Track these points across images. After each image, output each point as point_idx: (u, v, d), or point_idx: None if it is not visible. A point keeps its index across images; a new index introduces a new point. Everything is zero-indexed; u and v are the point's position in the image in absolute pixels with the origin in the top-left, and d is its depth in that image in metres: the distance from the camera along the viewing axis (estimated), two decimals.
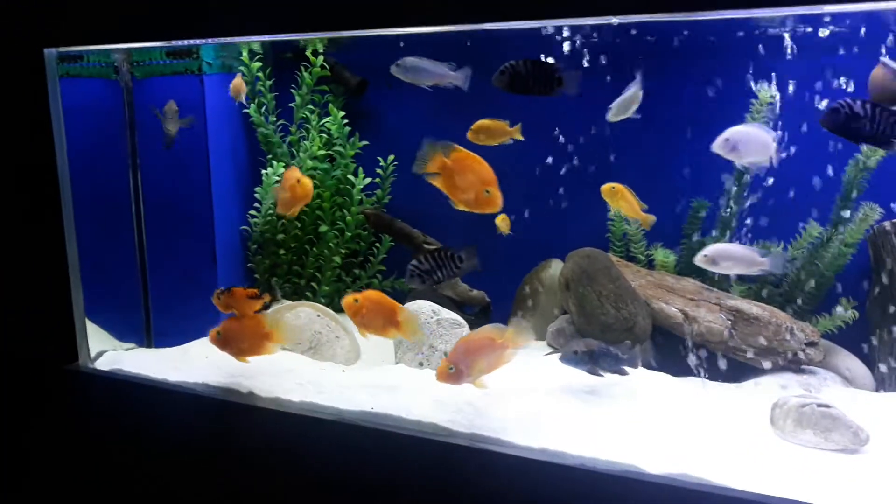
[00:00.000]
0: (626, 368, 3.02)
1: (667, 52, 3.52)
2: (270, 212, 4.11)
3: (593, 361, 2.98)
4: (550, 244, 3.95)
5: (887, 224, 3.30)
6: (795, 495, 2.29)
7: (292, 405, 3.07)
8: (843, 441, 2.64)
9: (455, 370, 2.70)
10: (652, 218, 3.39)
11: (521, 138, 3.33)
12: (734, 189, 3.57)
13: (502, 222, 3.64)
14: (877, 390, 3.31)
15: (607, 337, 3.45)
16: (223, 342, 3.13)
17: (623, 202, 3.37)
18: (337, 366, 3.56)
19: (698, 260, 3.03)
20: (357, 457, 2.92)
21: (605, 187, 3.34)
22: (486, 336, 2.76)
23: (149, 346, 4.04)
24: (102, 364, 3.55)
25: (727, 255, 3.01)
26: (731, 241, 3.61)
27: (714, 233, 3.67)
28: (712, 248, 3.02)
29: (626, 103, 3.15)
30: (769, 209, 3.49)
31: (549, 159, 3.75)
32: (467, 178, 2.64)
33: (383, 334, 2.92)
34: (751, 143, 2.85)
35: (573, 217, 3.85)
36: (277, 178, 4.05)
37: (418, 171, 2.71)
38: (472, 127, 3.31)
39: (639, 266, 3.80)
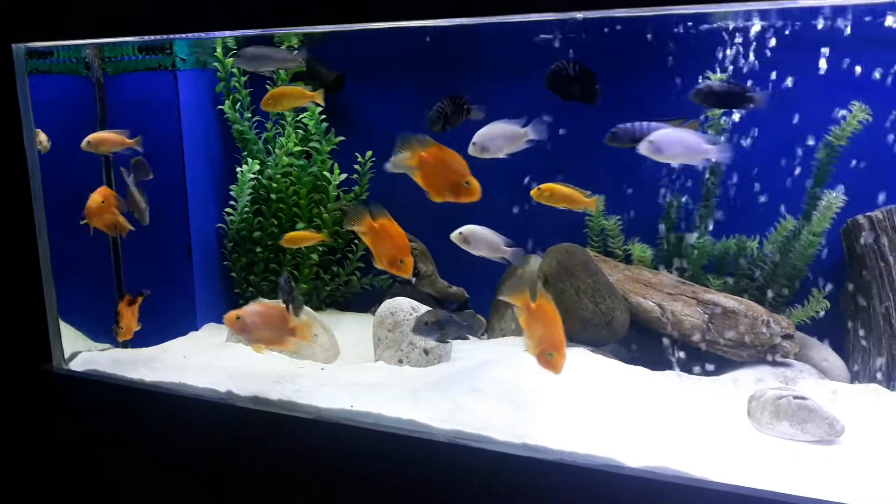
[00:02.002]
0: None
1: (647, 48, 3.53)
2: (246, 209, 4.07)
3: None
4: (530, 240, 3.94)
5: (861, 217, 3.33)
6: (772, 486, 2.31)
7: (271, 404, 3.05)
8: (819, 432, 2.67)
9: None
10: (596, 200, 3.35)
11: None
12: (711, 184, 3.59)
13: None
14: (852, 382, 3.35)
15: (587, 333, 3.47)
16: (242, 327, 3.01)
17: (559, 199, 3.33)
18: (316, 364, 3.53)
19: (454, 237, 3.17)
20: (337, 455, 2.90)
21: (534, 192, 3.32)
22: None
23: (124, 346, 3.98)
24: (77, 365, 3.50)
25: (479, 236, 3.16)
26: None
27: (693, 224, 3.70)
28: (467, 228, 3.17)
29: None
30: (744, 202, 3.52)
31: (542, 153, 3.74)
32: (443, 170, 2.68)
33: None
34: (677, 144, 2.85)
35: (552, 212, 3.85)
36: (253, 175, 4.01)
37: (392, 170, 2.74)
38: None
39: (616, 261, 3.82)
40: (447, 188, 2.71)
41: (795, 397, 2.72)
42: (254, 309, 2.96)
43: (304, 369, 3.43)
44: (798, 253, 3.47)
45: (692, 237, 3.66)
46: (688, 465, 2.42)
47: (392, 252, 2.82)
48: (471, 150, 3.02)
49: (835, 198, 3.34)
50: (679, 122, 3.06)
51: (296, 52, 3.33)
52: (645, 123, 3.02)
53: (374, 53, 3.99)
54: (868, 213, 3.31)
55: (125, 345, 3.93)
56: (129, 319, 3.49)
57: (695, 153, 2.79)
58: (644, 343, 3.51)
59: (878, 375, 3.25)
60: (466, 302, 4.05)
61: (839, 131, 3.38)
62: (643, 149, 2.86)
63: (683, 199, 3.73)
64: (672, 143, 2.83)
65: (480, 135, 2.98)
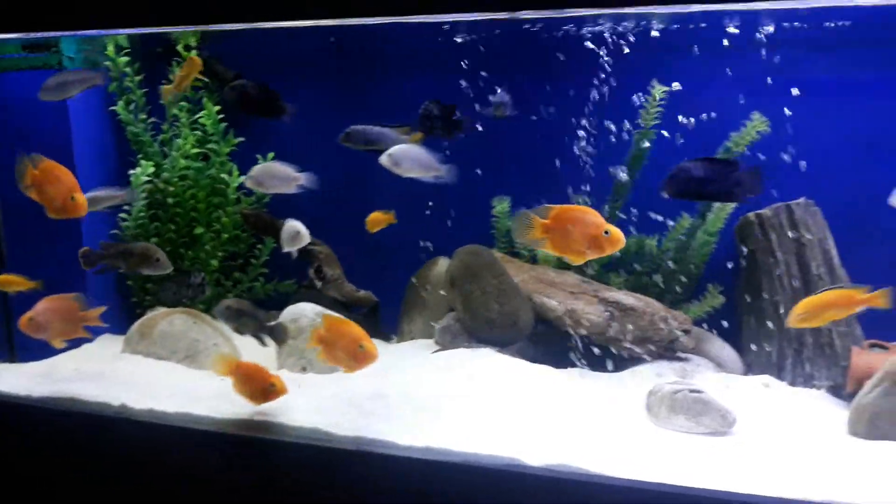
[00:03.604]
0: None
1: (554, 52, 3.58)
2: (142, 213, 3.91)
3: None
4: (439, 242, 3.94)
5: (751, 215, 3.46)
6: (669, 479, 2.36)
7: (167, 416, 2.94)
8: (713, 424, 2.75)
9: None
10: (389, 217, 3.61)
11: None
12: (618, 185, 3.66)
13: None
14: (745, 373, 3.47)
15: (494, 333, 3.48)
16: (36, 326, 3.04)
17: (378, 223, 3.58)
18: (216, 375, 3.42)
19: (383, 161, 3.15)
20: (236, 466, 2.82)
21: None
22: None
23: (12, 360, 3.77)
24: None
25: (409, 156, 3.16)
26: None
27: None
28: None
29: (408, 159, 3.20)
30: (649, 203, 3.60)
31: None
32: (577, 229, 2.50)
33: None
34: (411, 160, 3.12)
35: (460, 213, 3.86)
36: (147, 178, 3.85)
37: (518, 239, 2.61)
38: None
39: (522, 261, 3.85)
40: (587, 245, 2.51)
41: (691, 391, 2.79)
42: (43, 306, 2.98)
43: (202, 380, 3.31)
44: (694, 251, 3.58)
45: None
46: (589, 461, 2.46)
47: (62, 193, 2.73)
48: (247, 183, 3.30)
49: None
50: (406, 129, 3.24)
51: (195, 52, 3.25)
52: (377, 128, 3.26)
53: (275, 52, 3.91)
54: (758, 212, 3.44)
55: (12, 358, 3.73)
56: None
57: (426, 170, 3.12)
58: (549, 341, 3.54)
59: (770, 367, 3.38)
60: (377, 305, 4.01)
61: (738, 138, 3.50)
62: (384, 161, 3.11)
63: (588, 200, 3.79)
64: (407, 159, 3.11)
65: (256, 169, 3.34)
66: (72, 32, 3.42)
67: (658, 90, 3.51)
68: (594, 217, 2.52)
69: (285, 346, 3.40)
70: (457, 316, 3.59)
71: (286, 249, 3.40)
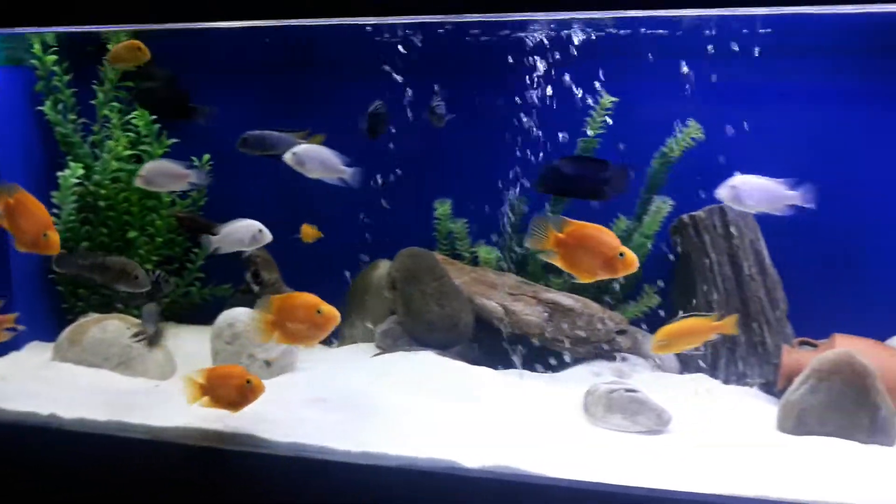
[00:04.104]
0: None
1: (497, 56, 3.59)
2: (72, 217, 3.79)
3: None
4: (380, 244, 3.92)
5: (686, 217, 3.53)
6: (605, 478, 2.39)
7: (98, 425, 2.85)
8: (648, 423, 2.80)
9: None
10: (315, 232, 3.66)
11: None
12: None
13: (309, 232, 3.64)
14: (681, 372, 3.54)
15: (435, 335, 3.48)
16: None
17: (308, 236, 3.63)
18: (150, 381, 3.34)
19: (287, 159, 3.15)
20: (172, 476, 2.76)
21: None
22: None
23: None
24: None
25: (313, 156, 3.17)
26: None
27: None
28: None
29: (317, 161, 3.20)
30: (587, 206, 3.64)
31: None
32: (590, 247, 2.48)
33: None
34: (316, 160, 3.14)
35: (401, 216, 3.85)
36: (76, 180, 3.73)
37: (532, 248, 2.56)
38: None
39: (463, 263, 3.85)
40: (599, 266, 2.48)
41: (627, 390, 2.83)
42: None
43: (136, 387, 3.23)
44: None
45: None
46: (526, 462, 2.47)
47: (34, 228, 2.65)
48: (137, 182, 3.29)
49: (664, 203, 3.52)
50: (304, 133, 3.30)
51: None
52: (275, 133, 3.27)
53: (211, 53, 3.84)
54: (692, 213, 3.51)
55: None
56: None
57: (331, 171, 3.13)
58: (490, 343, 3.55)
59: (704, 365, 3.45)
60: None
61: (674, 143, 3.57)
62: (288, 159, 3.10)
63: (527, 203, 3.82)
64: (312, 159, 3.11)
65: (146, 167, 3.29)
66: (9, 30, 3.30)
67: (606, 100, 3.55)
68: (610, 238, 2.49)
69: (221, 352, 3.33)
70: (398, 319, 3.58)
71: (247, 249, 3.32)
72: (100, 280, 3.20)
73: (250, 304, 3.60)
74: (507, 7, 2.66)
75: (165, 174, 3.28)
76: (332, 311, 2.61)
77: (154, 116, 3.77)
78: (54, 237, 2.73)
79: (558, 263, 2.53)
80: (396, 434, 2.68)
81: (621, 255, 2.45)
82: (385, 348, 3.56)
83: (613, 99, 3.57)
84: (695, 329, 2.82)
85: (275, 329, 2.66)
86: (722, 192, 2.86)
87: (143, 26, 3.24)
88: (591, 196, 3.17)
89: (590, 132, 3.61)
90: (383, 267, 3.82)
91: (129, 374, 3.37)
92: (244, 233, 3.25)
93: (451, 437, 2.65)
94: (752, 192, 2.82)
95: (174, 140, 3.92)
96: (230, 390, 2.69)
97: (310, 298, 2.63)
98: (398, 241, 3.71)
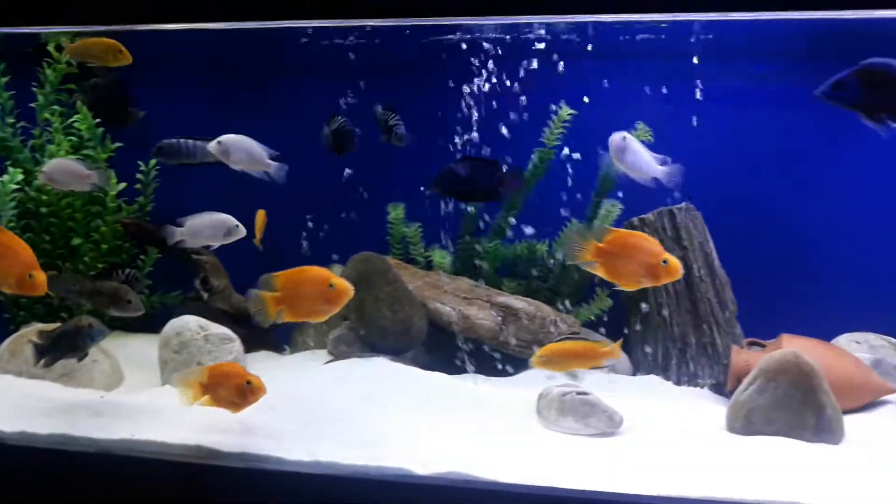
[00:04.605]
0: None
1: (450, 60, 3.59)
2: (12, 224, 3.67)
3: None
4: (334, 249, 3.88)
5: (635, 219, 3.55)
6: (557, 482, 2.38)
7: (39, 439, 2.76)
8: (600, 426, 2.81)
9: None
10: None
11: None
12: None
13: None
14: (634, 374, 3.57)
15: (388, 341, 3.45)
16: None
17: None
18: (95, 392, 3.26)
19: (212, 147, 3.10)
20: (118, 489, 2.68)
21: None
22: None
23: None
24: None
25: (239, 146, 3.11)
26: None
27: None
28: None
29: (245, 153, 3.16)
30: (541, 209, 3.66)
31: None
32: (633, 255, 2.43)
33: None
34: (242, 150, 3.08)
35: (355, 220, 3.81)
36: (15, 185, 3.62)
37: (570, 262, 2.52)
38: None
39: (417, 267, 3.84)
40: (642, 273, 2.43)
41: (578, 393, 2.84)
42: None
43: (80, 399, 3.14)
44: None
45: (487, 243, 3.75)
46: (478, 468, 2.45)
47: (17, 270, 2.53)
48: (41, 178, 3.24)
49: (613, 206, 3.55)
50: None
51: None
52: (191, 142, 3.25)
53: (156, 55, 3.76)
54: (641, 216, 3.54)
55: None
56: None
57: (256, 163, 3.10)
58: (444, 348, 3.54)
59: (656, 367, 3.49)
60: None
61: None
62: (213, 148, 3.06)
63: (478, 207, 3.82)
64: (239, 150, 3.07)
65: (48, 165, 3.24)
66: None
67: (564, 112, 3.57)
68: (652, 245, 2.46)
69: (170, 362, 3.27)
70: (350, 325, 3.54)
71: (216, 244, 3.19)
72: (91, 305, 3.07)
73: (200, 312, 3.53)
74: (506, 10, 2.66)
75: (67, 172, 3.19)
76: (344, 285, 2.50)
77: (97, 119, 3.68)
78: (40, 277, 2.61)
79: (599, 273, 2.48)
80: (348, 442, 2.64)
81: (664, 261, 2.42)
82: (337, 355, 3.53)
83: (572, 111, 3.59)
84: (582, 353, 2.85)
85: (280, 306, 2.54)
86: (612, 146, 2.92)
87: (106, 28, 3.18)
88: (485, 198, 3.20)
89: (546, 142, 3.63)
90: (335, 271, 3.78)
91: (73, 386, 3.28)
92: (217, 227, 3.14)
93: (402, 444, 2.62)
94: (628, 153, 2.89)
95: (118, 144, 3.84)
96: (231, 390, 2.61)
97: (320, 272, 2.53)
98: (351, 246, 3.68)
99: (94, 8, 2.72)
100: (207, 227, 3.13)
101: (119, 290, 3.03)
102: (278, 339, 3.90)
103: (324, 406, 2.94)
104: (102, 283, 3.10)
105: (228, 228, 3.14)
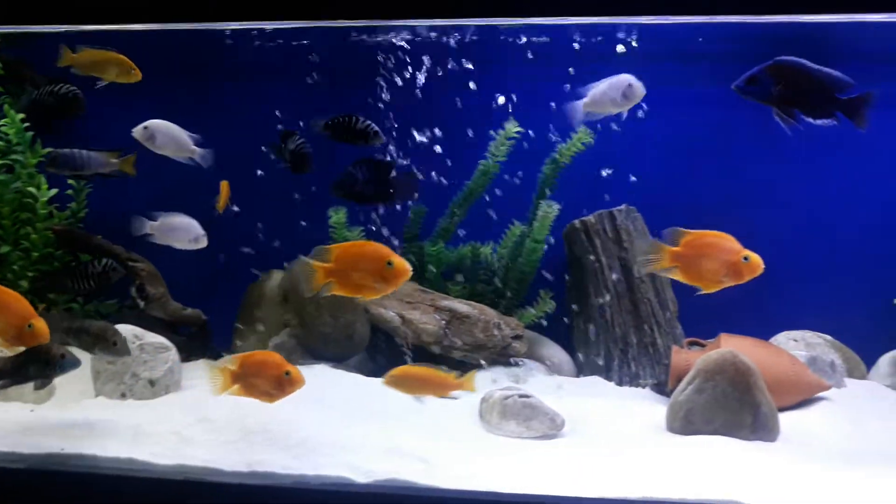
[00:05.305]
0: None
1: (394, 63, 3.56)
2: None
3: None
4: (274, 255, 3.81)
5: (577, 222, 3.57)
6: (497, 486, 2.37)
7: None
8: (542, 428, 2.81)
9: None
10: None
11: None
12: (459, 196, 3.69)
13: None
14: (578, 375, 3.59)
15: (330, 348, 3.40)
16: None
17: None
18: (25, 406, 3.14)
19: (137, 133, 3.10)
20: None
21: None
22: None
23: None
24: None
25: (165, 132, 3.11)
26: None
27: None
28: (152, 122, 3.11)
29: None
30: (483, 213, 3.66)
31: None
32: (710, 255, 2.39)
33: None
34: (168, 135, 3.09)
35: (296, 225, 3.75)
36: None
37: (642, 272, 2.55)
38: None
39: None
40: (723, 272, 2.38)
41: (520, 396, 2.84)
42: None
43: (8, 413, 3.03)
44: (524, 258, 3.65)
45: (431, 246, 3.73)
46: (419, 474, 2.43)
47: (15, 322, 2.49)
48: None
49: (549, 207, 3.56)
50: (116, 153, 3.24)
51: None
52: (86, 152, 3.21)
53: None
54: (583, 218, 3.56)
55: None
56: None
57: (181, 149, 3.09)
58: (387, 353, 3.51)
59: (599, 368, 3.51)
60: (206, 324, 3.81)
61: (564, 149, 3.61)
62: (137, 133, 3.05)
63: (426, 210, 3.80)
64: (164, 135, 3.07)
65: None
66: None
67: (511, 127, 3.58)
68: (731, 243, 2.42)
69: (103, 373, 3.16)
70: (291, 332, 3.49)
71: (180, 247, 3.17)
72: (76, 345, 2.92)
73: (136, 321, 3.43)
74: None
75: (170, 137, 3.12)
76: (403, 265, 2.40)
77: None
78: (40, 325, 2.56)
79: (679, 277, 2.45)
80: (287, 451, 2.59)
81: (745, 258, 2.39)
82: None
83: (518, 129, 3.60)
84: (433, 381, 2.86)
85: (330, 279, 2.44)
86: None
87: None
88: (380, 200, 3.21)
89: (491, 157, 3.64)
90: (276, 278, 3.72)
91: (2, 400, 3.16)
92: (188, 231, 3.13)
93: (343, 452, 2.58)
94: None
95: (49, 150, 3.71)
96: (268, 380, 2.53)
97: (380, 248, 2.43)
98: (292, 251, 3.63)
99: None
100: (179, 229, 3.11)
101: (106, 330, 2.89)
102: (217, 347, 3.82)
103: (262, 415, 2.87)
104: (90, 322, 2.96)
105: (197, 236, 3.12)
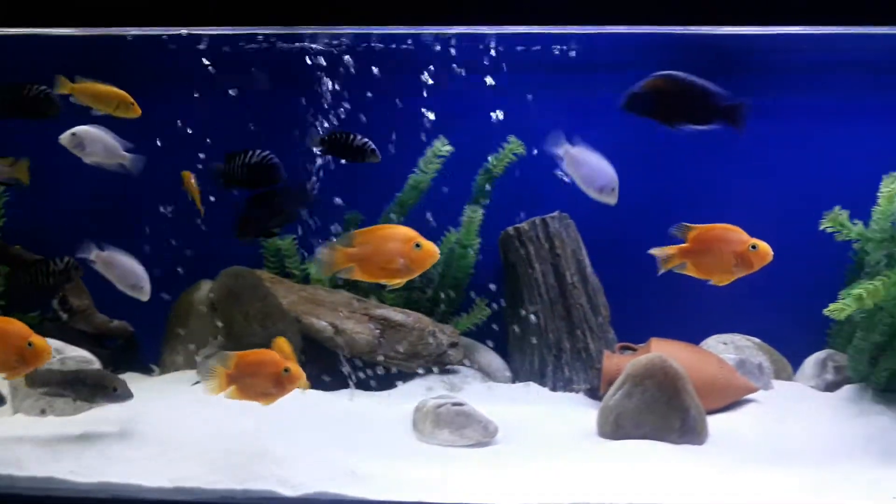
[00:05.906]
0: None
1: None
2: None
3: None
4: (204, 264, 3.73)
5: (510, 229, 3.59)
6: (429, 497, 2.36)
7: None
8: (475, 436, 2.80)
9: None
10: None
11: None
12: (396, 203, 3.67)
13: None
14: (513, 381, 3.59)
15: None
16: None
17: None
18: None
19: (64, 140, 3.01)
20: None
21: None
22: None
23: None
24: None
25: (94, 138, 3.04)
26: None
27: None
28: (81, 129, 3.03)
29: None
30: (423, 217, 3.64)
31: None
32: (720, 247, 2.43)
33: None
34: (98, 142, 3.02)
35: (228, 233, 3.68)
36: None
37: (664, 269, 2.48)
38: None
39: (295, 281, 3.73)
40: (733, 264, 2.41)
41: (454, 404, 2.83)
42: None
43: None
44: (456, 264, 3.65)
45: None
46: (348, 486, 2.40)
47: (14, 347, 2.48)
48: None
49: (474, 212, 3.57)
50: (10, 161, 3.14)
51: None
52: None
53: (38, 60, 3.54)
54: (516, 225, 3.57)
55: None
56: None
57: (111, 156, 3.02)
58: (321, 363, 3.45)
59: (533, 374, 3.52)
60: (133, 336, 3.71)
61: (495, 160, 3.63)
62: (65, 140, 2.97)
63: (362, 217, 3.77)
64: (94, 142, 2.99)
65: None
66: None
67: (441, 145, 3.59)
68: (738, 233, 2.43)
69: (21, 388, 3.04)
70: (221, 343, 3.41)
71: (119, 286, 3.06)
72: (72, 397, 2.85)
73: (59, 334, 3.31)
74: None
75: (99, 142, 3.02)
76: (431, 247, 2.36)
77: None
78: (39, 342, 2.52)
79: (692, 273, 2.47)
80: (213, 466, 2.53)
81: (753, 247, 2.41)
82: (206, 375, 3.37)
83: (449, 148, 3.60)
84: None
85: (351, 263, 2.38)
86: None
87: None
88: (285, 222, 3.23)
89: (422, 170, 3.64)
90: (205, 288, 3.64)
91: None
92: (131, 276, 3.04)
93: (270, 464, 2.53)
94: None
95: None
96: (265, 379, 2.45)
97: (407, 231, 2.39)
98: (222, 260, 3.55)
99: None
100: (123, 269, 3.02)
101: (104, 378, 2.82)
102: (147, 359, 3.71)
103: (190, 430, 2.81)
104: (85, 372, 2.90)
105: (133, 284, 3.03)
